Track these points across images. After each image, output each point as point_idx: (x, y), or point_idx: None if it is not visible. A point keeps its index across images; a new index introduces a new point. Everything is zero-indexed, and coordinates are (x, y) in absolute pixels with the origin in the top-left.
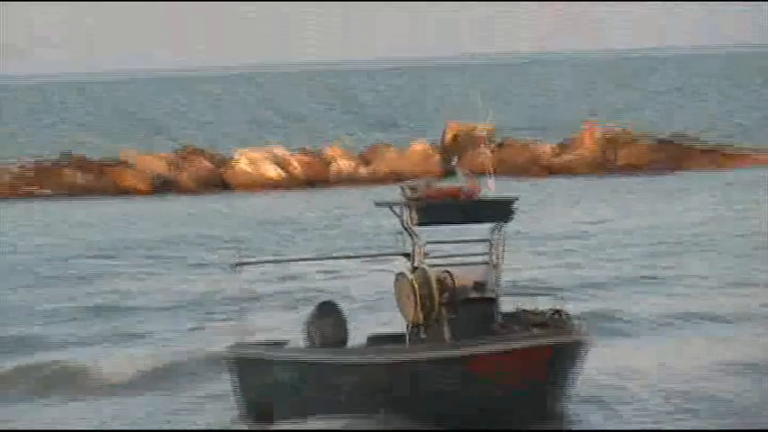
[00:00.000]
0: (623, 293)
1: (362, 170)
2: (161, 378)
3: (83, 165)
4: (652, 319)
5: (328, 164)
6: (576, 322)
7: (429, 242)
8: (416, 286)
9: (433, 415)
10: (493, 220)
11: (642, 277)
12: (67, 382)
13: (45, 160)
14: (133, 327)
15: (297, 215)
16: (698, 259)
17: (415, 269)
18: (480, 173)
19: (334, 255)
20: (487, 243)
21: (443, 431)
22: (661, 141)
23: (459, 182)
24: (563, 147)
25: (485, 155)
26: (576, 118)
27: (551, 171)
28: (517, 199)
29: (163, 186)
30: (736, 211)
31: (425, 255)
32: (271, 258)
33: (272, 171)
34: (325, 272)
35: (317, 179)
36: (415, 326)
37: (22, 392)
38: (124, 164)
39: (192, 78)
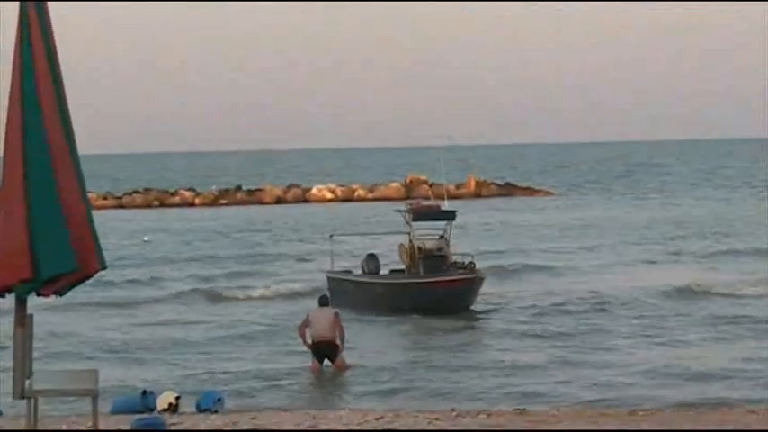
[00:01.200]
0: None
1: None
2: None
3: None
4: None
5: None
6: (478, 267)
7: (418, 229)
8: (407, 248)
9: (413, 307)
10: (446, 219)
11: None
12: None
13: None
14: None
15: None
16: None
17: (409, 241)
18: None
19: (381, 231)
20: (444, 230)
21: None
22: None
23: (431, 202)
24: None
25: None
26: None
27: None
28: (456, 211)
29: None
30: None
31: (412, 235)
32: (348, 233)
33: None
34: (373, 240)
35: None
36: (407, 267)
37: None
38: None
39: None
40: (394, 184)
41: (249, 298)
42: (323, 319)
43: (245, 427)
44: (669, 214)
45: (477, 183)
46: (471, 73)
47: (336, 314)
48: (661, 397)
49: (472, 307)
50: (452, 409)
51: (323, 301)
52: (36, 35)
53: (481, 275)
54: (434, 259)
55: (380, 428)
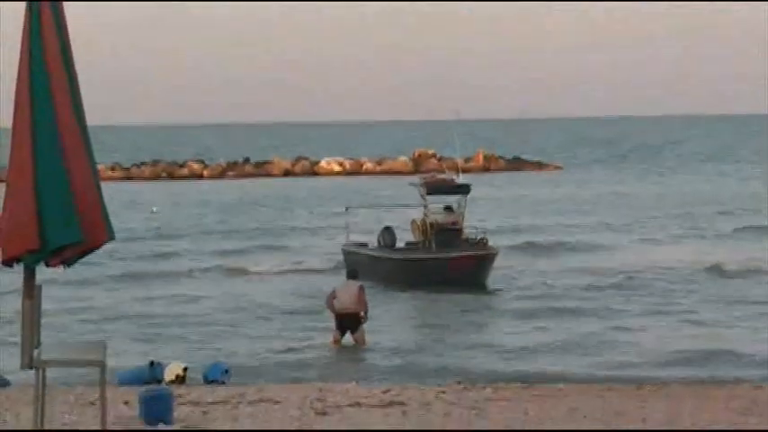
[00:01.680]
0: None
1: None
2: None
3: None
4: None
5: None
6: (491, 244)
7: (432, 203)
8: (419, 224)
9: (425, 283)
10: (460, 194)
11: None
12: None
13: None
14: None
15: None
16: None
17: (423, 215)
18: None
19: (396, 204)
20: (458, 204)
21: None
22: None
23: (446, 176)
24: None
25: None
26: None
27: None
28: (470, 185)
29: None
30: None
31: (427, 209)
32: (365, 205)
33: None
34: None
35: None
36: (420, 241)
37: None
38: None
39: None
40: (402, 158)
41: (265, 273)
42: (348, 292)
43: (252, 398)
44: (685, 189)
45: (486, 157)
46: (482, 44)
47: (361, 288)
48: (672, 375)
49: (485, 283)
50: (459, 382)
51: (351, 275)
52: (46, 13)
53: (493, 251)
54: (447, 234)
55: (387, 401)
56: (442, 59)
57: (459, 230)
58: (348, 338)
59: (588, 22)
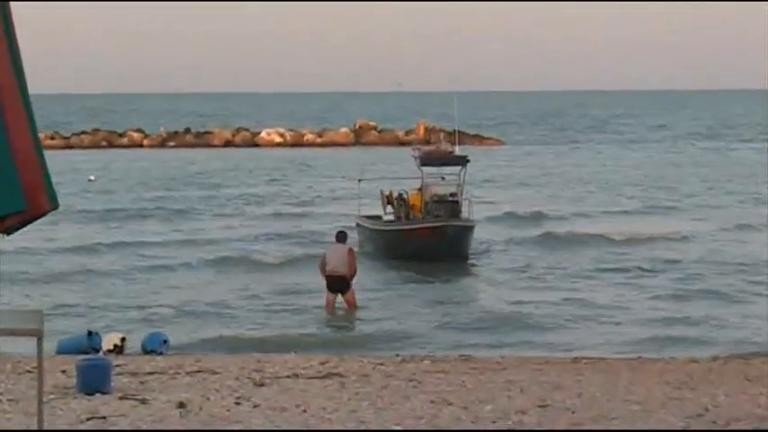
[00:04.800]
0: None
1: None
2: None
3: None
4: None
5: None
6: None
7: (430, 174)
8: (386, 196)
9: (396, 255)
10: (459, 165)
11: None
12: None
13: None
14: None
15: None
16: None
17: (420, 188)
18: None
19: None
20: (457, 176)
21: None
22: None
23: (444, 146)
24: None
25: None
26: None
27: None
28: (467, 156)
29: None
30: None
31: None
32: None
33: None
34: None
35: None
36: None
37: None
38: None
39: None
40: (343, 130)
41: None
42: (336, 255)
43: (190, 369)
44: (628, 164)
45: (427, 129)
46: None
47: (350, 250)
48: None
49: (465, 254)
50: (397, 355)
51: (339, 237)
52: None
53: (470, 224)
54: (448, 204)
55: (325, 373)
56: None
57: (457, 202)
58: (341, 300)
59: None
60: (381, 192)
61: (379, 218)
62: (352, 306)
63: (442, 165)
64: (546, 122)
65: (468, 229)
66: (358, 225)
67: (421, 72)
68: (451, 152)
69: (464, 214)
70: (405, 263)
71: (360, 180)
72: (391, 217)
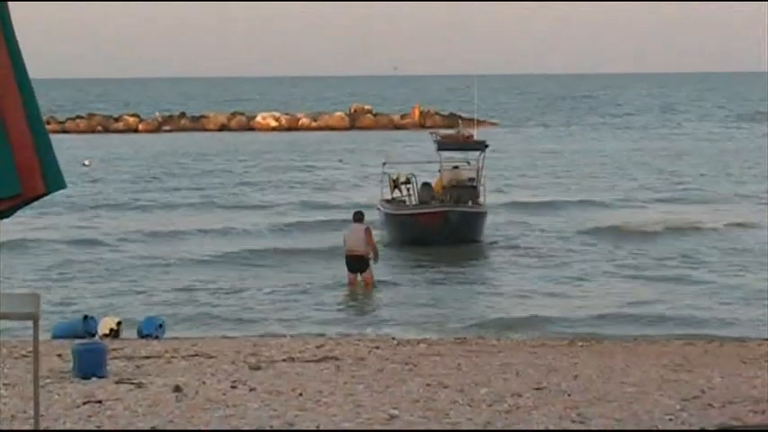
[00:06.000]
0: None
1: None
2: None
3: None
4: None
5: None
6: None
7: (447, 159)
8: (392, 180)
9: (402, 239)
10: (478, 149)
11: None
12: None
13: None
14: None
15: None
16: None
17: (439, 170)
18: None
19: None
20: (476, 161)
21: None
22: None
23: (463, 131)
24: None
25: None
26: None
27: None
28: (485, 141)
29: None
30: None
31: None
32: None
33: None
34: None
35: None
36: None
37: None
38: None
39: None
40: (338, 114)
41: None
42: (354, 235)
43: (186, 353)
44: (634, 145)
45: (422, 113)
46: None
47: (368, 229)
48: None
49: (479, 239)
50: (393, 338)
51: (356, 217)
52: None
53: (476, 209)
54: (467, 189)
55: (321, 356)
56: (380, 12)
57: (475, 187)
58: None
59: None
60: (389, 176)
61: (403, 202)
62: (369, 286)
63: (461, 150)
64: (556, 106)
65: (474, 215)
66: (379, 209)
67: (418, 55)
68: (470, 136)
69: (481, 199)
70: (412, 247)
71: (384, 163)
72: (406, 200)
